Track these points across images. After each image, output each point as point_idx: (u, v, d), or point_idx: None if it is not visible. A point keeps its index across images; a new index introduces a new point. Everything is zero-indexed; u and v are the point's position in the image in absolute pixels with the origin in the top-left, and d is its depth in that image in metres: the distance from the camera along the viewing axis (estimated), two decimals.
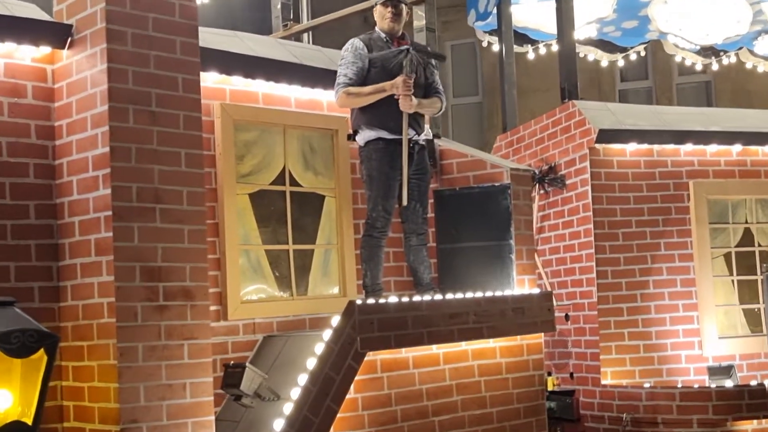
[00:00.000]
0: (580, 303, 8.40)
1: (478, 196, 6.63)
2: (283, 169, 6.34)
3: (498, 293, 6.34)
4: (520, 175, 6.70)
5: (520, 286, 6.67)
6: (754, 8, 10.45)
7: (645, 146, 8.47)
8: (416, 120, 6.22)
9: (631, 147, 8.43)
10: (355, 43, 6.23)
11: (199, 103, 5.28)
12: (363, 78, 6.12)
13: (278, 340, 6.02)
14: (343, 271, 6.51)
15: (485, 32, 10.55)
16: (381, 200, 6.14)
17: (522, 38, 10.78)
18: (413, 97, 6.07)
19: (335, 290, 6.53)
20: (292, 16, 8.18)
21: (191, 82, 5.27)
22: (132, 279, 4.86)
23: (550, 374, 8.21)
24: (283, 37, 8.36)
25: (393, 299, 5.76)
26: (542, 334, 6.70)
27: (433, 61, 6.37)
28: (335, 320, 5.47)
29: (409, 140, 6.19)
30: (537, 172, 8.75)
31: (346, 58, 6.18)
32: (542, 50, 11.27)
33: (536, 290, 6.66)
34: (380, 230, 6.17)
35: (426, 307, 5.86)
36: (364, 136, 6.16)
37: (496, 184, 6.66)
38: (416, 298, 5.89)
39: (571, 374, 8.31)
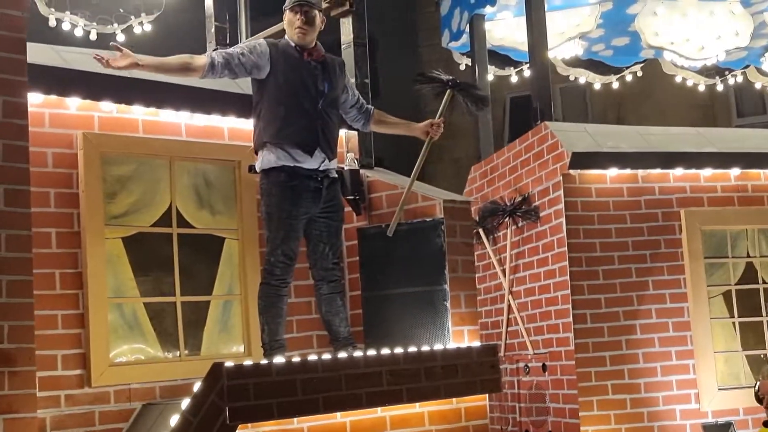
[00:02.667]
0: (556, 351, 7.26)
1: (406, 234, 5.62)
2: (169, 207, 5.34)
3: (424, 348, 5.25)
4: (455, 207, 5.67)
5: (457, 338, 5.62)
6: (756, 19, 9.27)
7: (628, 171, 7.40)
8: (328, 141, 5.22)
9: (612, 172, 7.34)
10: (261, 42, 5.29)
11: (25, 130, 4.33)
12: (242, 71, 5.18)
13: (156, 409, 5.00)
14: (248, 325, 5.57)
15: (462, 54, 9.53)
16: (280, 243, 5.17)
17: (503, 59, 9.73)
18: None
19: (238, 348, 5.55)
20: (228, 41, 7.27)
21: (14, 106, 4.32)
22: None
23: None
24: None
25: (278, 359, 4.71)
26: (486, 396, 5.55)
27: (338, 68, 5.37)
28: (197, 386, 4.43)
29: (317, 171, 5.16)
30: (508, 204, 7.67)
31: (245, 43, 5.32)
32: (527, 73, 10.18)
33: (476, 344, 5.56)
34: (279, 278, 5.18)
35: (322, 368, 4.81)
36: (265, 160, 5.15)
37: (427, 220, 5.64)
38: (311, 357, 4.84)
39: None
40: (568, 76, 10.19)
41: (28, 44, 5.09)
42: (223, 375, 4.51)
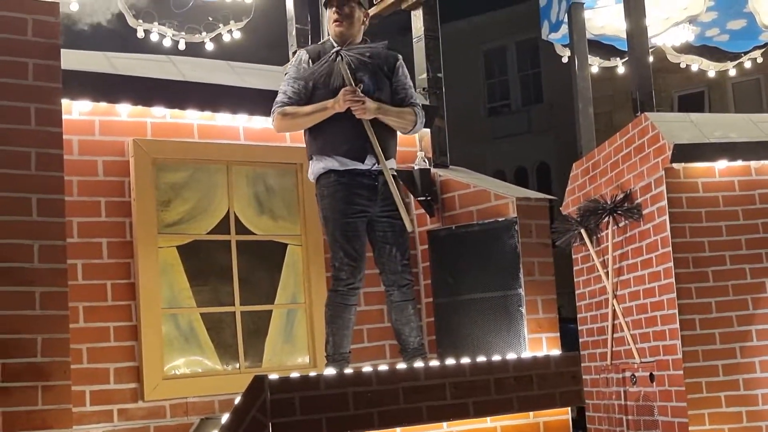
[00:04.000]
0: (663, 360, 6.68)
1: (478, 235, 5.25)
2: (227, 214, 5.13)
3: (494, 358, 4.85)
4: (530, 205, 5.25)
5: (534, 347, 5.18)
6: None
7: (739, 163, 6.76)
8: (380, 140, 4.92)
9: (721, 165, 6.72)
10: (300, 54, 5.03)
11: (59, 138, 4.20)
12: (308, 96, 4.87)
13: (215, 423, 4.79)
14: (313, 335, 5.32)
15: (563, 45, 8.99)
16: (340, 245, 4.87)
17: (608, 49, 9.13)
18: (368, 100, 4.71)
19: (303, 359, 5.29)
20: (310, 43, 7.03)
21: (48, 113, 4.20)
22: None
23: None
24: None
25: (329, 371, 4.41)
26: (568, 408, 5.09)
27: (402, 68, 5.00)
28: (238, 400, 4.18)
29: (371, 171, 4.83)
30: (609, 202, 7.13)
31: (288, 72, 5.00)
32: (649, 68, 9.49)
33: (555, 352, 5.12)
34: (346, 282, 4.89)
35: (377, 380, 4.49)
36: (314, 169, 4.89)
37: (500, 219, 5.25)
38: (366, 368, 4.52)
39: None
40: (679, 63, 9.51)
41: (77, 51, 5.00)
42: (266, 388, 4.25)
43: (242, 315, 5.19)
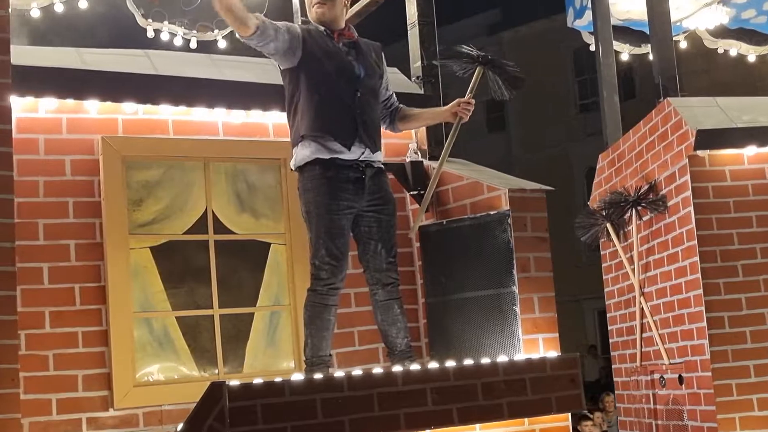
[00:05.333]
0: (692, 360, 6.25)
1: (469, 230, 4.95)
2: (205, 213, 4.92)
3: (483, 360, 4.52)
4: (525, 197, 4.94)
5: (530, 348, 4.84)
6: None
7: None
8: (368, 132, 4.65)
9: (750, 151, 6.30)
10: (294, 25, 4.78)
11: (8, 135, 4.03)
12: (282, 46, 4.62)
13: None
14: (298, 338, 5.11)
15: (590, 33, 8.57)
16: (323, 242, 4.61)
17: (638, 35, 8.67)
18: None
19: (287, 364, 5.04)
20: None
21: None
22: None
23: None
24: None
25: (296, 376, 4.14)
26: (568, 415, 4.75)
27: (384, 59, 4.74)
28: (193, 408, 3.95)
29: (357, 161, 4.57)
30: (631, 193, 6.73)
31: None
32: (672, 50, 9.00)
33: (552, 354, 4.77)
34: (326, 282, 4.64)
35: (349, 385, 4.20)
36: (299, 156, 4.63)
37: (492, 213, 4.91)
38: (337, 373, 4.26)
39: None
40: (717, 48, 8.99)
41: (47, 48, 4.84)
42: (224, 395, 4.00)
43: (221, 318, 4.98)
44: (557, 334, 5.01)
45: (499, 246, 4.90)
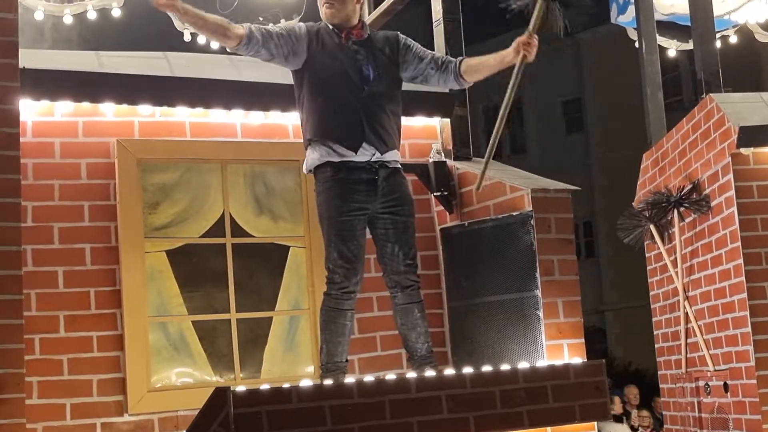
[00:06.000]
0: (736, 367, 6.01)
1: (491, 232, 4.82)
2: (222, 215, 4.87)
3: (503, 367, 4.39)
4: (548, 198, 4.79)
5: (554, 354, 4.68)
6: None
7: None
8: (377, 134, 4.55)
9: None
10: (298, 24, 4.71)
11: (15, 139, 4.03)
12: (279, 51, 4.56)
13: None
14: (318, 343, 4.88)
15: (633, 29, 8.33)
16: (336, 245, 4.51)
17: (685, 31, 8.38)
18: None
19: (306, 369, 4.96)
20: None
21: (4, 113, 4.09)
22: None
23: None
24: None
25: (305, 382, 4.06)
26: (594, 423, 4.58)
27: (407, 40, 4.69)
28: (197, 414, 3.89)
29: (370, 164, 4.47)
30: (674, 194, 6.50)
31: (283, 25, 4.66)
32: (719, 44, 8.70)
33: (577, 360, 4.60)
34: (340, 286, 4.55)
35: (359, 392, 4.11)
36: (309, 159, 4.56)
37: (514, 214, 4.77)
38: (348, 379, 4.15)
39: None
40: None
41: (65, 52, 4.85)
42: (229, 401, 3.93)
43: (238, 322, 4.92)
44: (583, 340, 4.83)
45: (521, 248, 4.75)
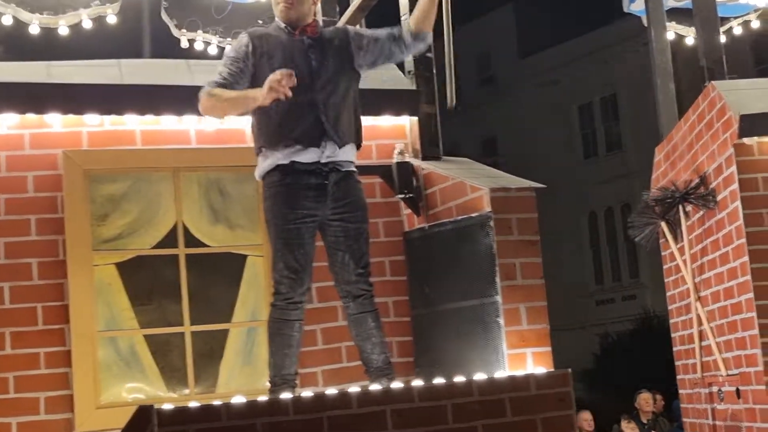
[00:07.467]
0: (746, 372, 5.67)
1: (450, 235, 4.61)
2: (175, 225, 4.75)
3: (456, 379, 4.17)
4: (509, 197, 4.55)
5: (517, 364, 4.43)
6: None
7: None
8: (336, 121, 4.40)
9: None
10: (241, 38, 4.54)
11: None
12: (246, 79, 4.43)
13: None
14: None
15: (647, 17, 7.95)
16: (281, 254, 4.33)
17: None
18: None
19: (266, 383, 4.74)
20: None
21: None
22: None
23: None
24: None
25: (237, 399, 3.91)
26: None
27: (356, 31, 4.57)
28: None
29: (318, 164, 4.31)
30: (679, 189, 6.18)
31: (226, 54, 4.52)
32: (737, 30, 8.24)
33: (540, 370, 4.35)
34: (285, 297, 4.39)
35: (295, 408, 3.92)
36: (260, 167, 4.41)
37: (473, 215, 4.55)
38: (284, 395, 3.99)
39: None
40: None
41: (17, 63, 4.82)
42: (152, 420, 3.80)
43: (193, 335, 4.81)
44: (549, 348, 4.57)
45: (480, 252, 4.53)
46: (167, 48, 7.97)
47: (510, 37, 31.26)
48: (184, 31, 7.73)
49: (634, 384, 10.93)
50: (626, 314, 24.91)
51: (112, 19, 7.66)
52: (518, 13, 31.43)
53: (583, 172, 28.39)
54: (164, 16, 7.68)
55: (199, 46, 7.89)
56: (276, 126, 4.38)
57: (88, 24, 7.55)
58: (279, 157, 4.40)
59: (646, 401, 9.89)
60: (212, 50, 7.94)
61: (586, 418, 10.09)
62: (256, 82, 4.47)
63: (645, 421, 9.71)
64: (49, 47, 7.62)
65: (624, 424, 9.78)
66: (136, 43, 8.23)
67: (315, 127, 4.36)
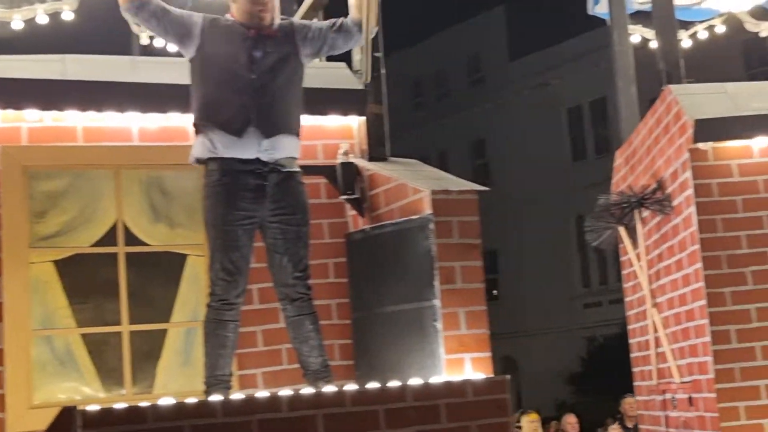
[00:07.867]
0: (698, 380, 5.64)
1: (391, 237, 4.57)
2: (115, 224, 4.70)
3: (390, 384, 4.13)
4: (449, 200, 4.51)
5: (453, 369, 4.39)
6: None
7: None
8: (268, 111, 4.36)
9: (762, 143, 5.61)
10: (196, 14, 4.51)
11: None
12: (171, 27, 4.41)
13: None
14: None
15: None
16: (218, 256, 4.30)
17: None
18: None
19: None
20: None
21: None
22: None
23: None
24: None
25: (165, 400, 3.86)
26: None
27: (300, 23, 4.61)
28: None
29: (257, 162, 4.28)
30: (635, 193, 6.15)
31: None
32: (702, 34, 8.22)
33: (478, 376, 4.32)
34: (220, 298, 4.33)
35: (224, 411, 3.88)
36: (195, 149, 4.40)
37: (414, 218, 4.50)
38: (213, 397, 3.95)
39: None
40: (759, 32, 8.15)
41: None
42: (75, 422, 3.75)
43: (131, 335, 4.76)
44: (489, 354, 4.53)
45: (420, 255, 4.49)
46: (126, 46, 7.92)
47: (500, 39, 31.25)
48: (143, 27, 7.69)
49: (620, 388, 10.90)
50: (613, 318, 24.88)
51: (68, 15, 7.63)
52: (509, 15, 31.43)
53: (571, 175, 28.35)
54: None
55: (158, 43, 7.85)
56: (206, 103, 4.35)
57: (43, 19, 7.51)
58: (216, 147, 4.36)
59: (631, 406, 9.85)
60: (172, 48, 7.90)
61: (570, 421, 10.07)
62: (196, 61, 4.42)
63: (630, 426, 9.67)
64: (1, 42, 7.58)
65: (609, 428, 9.75)
66: (92, 40, 8.14)
67: (241, 112, 4.32)
